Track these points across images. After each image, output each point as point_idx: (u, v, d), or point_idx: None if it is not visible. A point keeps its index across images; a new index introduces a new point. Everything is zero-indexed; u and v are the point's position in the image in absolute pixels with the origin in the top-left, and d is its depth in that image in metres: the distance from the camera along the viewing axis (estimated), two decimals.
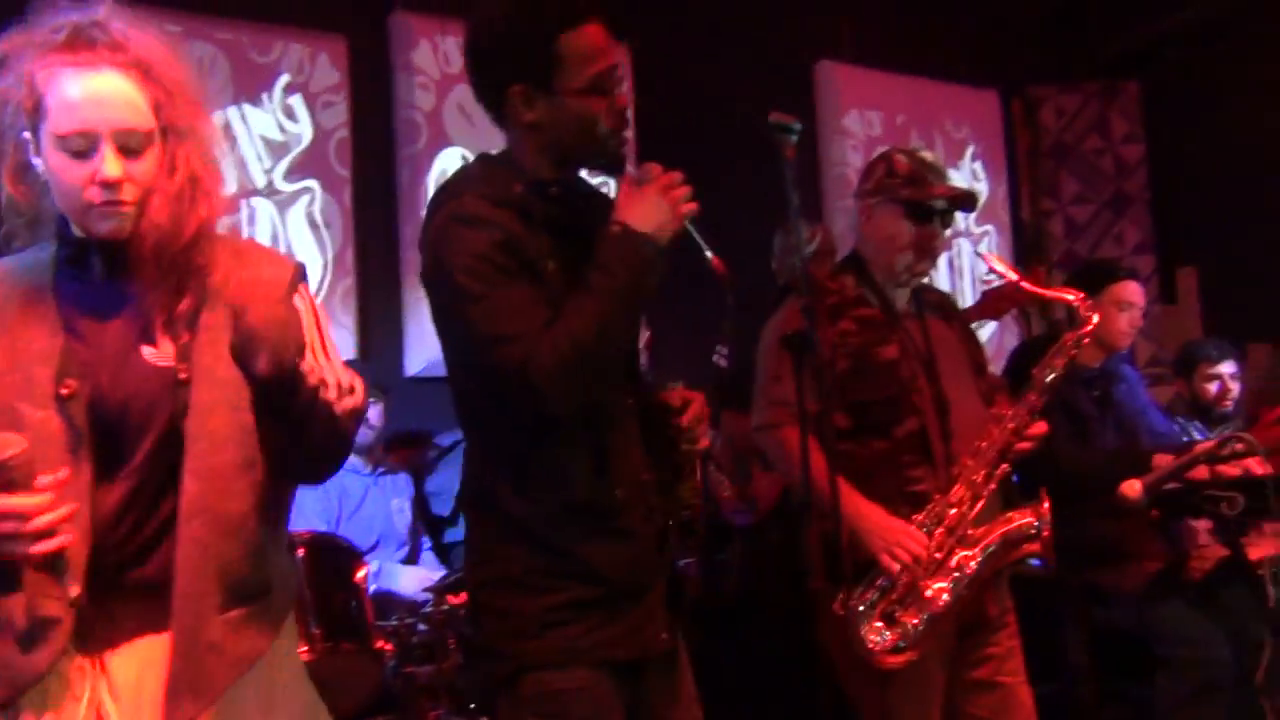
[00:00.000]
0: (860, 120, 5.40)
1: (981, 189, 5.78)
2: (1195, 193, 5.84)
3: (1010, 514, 2.47)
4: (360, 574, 2.77)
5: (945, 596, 2.37)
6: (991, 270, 2.84)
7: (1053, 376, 2.57)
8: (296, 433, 1.52)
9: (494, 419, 1.86)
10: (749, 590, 3.55)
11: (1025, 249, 5.98)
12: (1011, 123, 6.01)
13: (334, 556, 2.74)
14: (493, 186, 1.80)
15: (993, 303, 4.00)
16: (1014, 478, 3.20)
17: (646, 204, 1.76)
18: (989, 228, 5.79)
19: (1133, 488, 2.72)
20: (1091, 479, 3.18)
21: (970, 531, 2.43)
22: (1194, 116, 5.84)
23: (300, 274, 1.63)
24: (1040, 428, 2.52)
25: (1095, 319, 2.65)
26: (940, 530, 2.42)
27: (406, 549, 3.51)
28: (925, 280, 2.75)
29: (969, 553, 2.41)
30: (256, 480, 1.52)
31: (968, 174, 5.75)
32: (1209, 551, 3.51)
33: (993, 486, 2.47)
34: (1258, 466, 3.23)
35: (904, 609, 2.37)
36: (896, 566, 2.35)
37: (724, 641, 3.52)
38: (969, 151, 5.76)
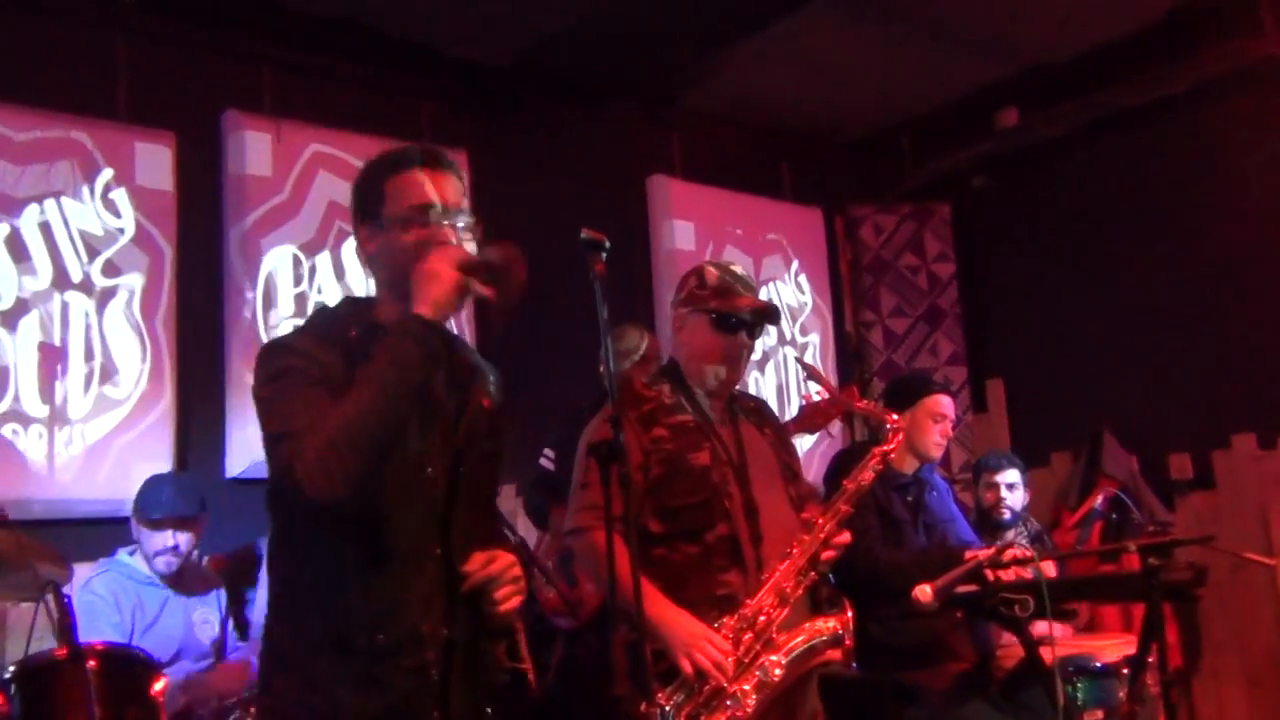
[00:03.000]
0: (691, 232, 5.60)
1: (806, 301, 6.04)
2: (1001, 308, 6.23)
3: (816, 619, 2.54)
4: (158, 686, 2.65)
5: (750, 701, 2.42)
6: (811, 376, 2.98)
7: (860, 488, 2.70)
8: None
9: (286, 540, 1.92)
10: (565, 693, 3.53)
11: (847, 358, 6.24)
12: (833, 239, 6.31)
13: (129, 669, 2.61)
14: (330, 327, 1.94)
15: (810, 417, 4.14)
16: (830, 578, 3.30)
17: (419, 282, 1.82)
18: (813, 338, 6.03)
19: (924, 592, 2.84)
20: (909, 578, 3.30)
21: (775, 636, 2.49)
22: (998, 237, 6.27)
23: None
24: (845, 538, 2.63)
25: (899, 439, 2.82)
26: (749, 635, 2.48)
27: (209, 662, 3.36)
28: (739, 387, 2.86)
29: (775, 657, 2.47)
30: None
31: (793, 286, 5.99)
32: (1011, 651, 3.67)
33: (800, 592, 2.55)
34: (1049, 570, 3.42)
35: (709, 712, 2.40)
36: (693, 672, 2.39)
37: None
38: (794, 265, 6.01)
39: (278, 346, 1.92)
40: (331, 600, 1.80)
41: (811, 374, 2.96)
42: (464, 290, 1.82)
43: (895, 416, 2.93)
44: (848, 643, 2.52)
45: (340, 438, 1.70)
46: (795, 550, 2.56)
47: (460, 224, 1.94)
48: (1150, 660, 3.19)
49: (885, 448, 2.81)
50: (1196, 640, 5.25)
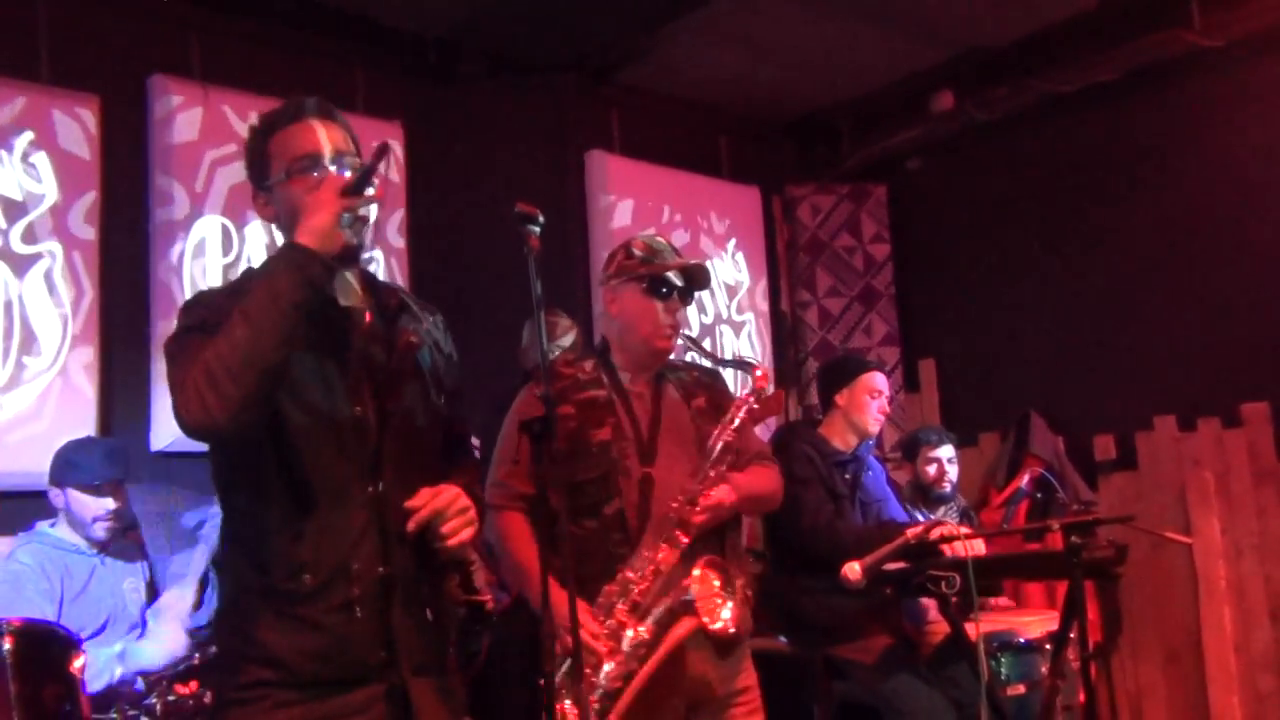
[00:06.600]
0: (629, 209, 5.57)
1: (743, 279, 6.06)
2: (934, 290, 6.31)
3: (681, 583, 2.55)
4: (77, 664, 2.58)
5: (617, 672, 2.46)
6: (692, 346, 2.90)
7: (727, 445, 2.68)
8: None
9: (223, 499, 1.93)
10: (494, 673, 3.53)
11: (783, 338, 6.28)
12: (771, 218, 6.32)
13: (46, 646, 2.55)
14: (245, 280, 1.93)
15: None
16: (768, 552, 3.30)
17: (302, 212, 1.79)
18: (749, 316, 6.05)
19: (853, 569, 2.87)
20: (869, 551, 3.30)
21: (643, 602, 2.53)
22: (933, 220, 6.34)
23: None
24: (711, 500, 2.61)
25: (764, 388, 2.74)
26: (623, 605, 2.52)
27: (139, 631, 3.28)
28: (686, 358, 2.87)
29: (642, 625, 2.51)
30: None
31: (730, 265, 6.00)
32: (938, 627, 3.75)
33: (673, 558, 2.55)
34: (978, 548, 3.48)
35: (584, 682, 2.44)
36: (560, 650, 2.40)
37: None
38: (731, 244, 6.02)
39: (191, 302, 1.95)
40: (258, 549, 1.82)
41: (692, 345, 2.89)
42: (348, 214, 1.78)
43: (755, 366, 2.84)
44: (697, 601, 2.50)
45: (215, 365, 1.70)
46: (667, 514, 2.58)
47: (350, 170, 1.89)
48: (1072, 636, 3.28)
49: (748, 396, 2.75)
50: (1116, 617, 5.39)
